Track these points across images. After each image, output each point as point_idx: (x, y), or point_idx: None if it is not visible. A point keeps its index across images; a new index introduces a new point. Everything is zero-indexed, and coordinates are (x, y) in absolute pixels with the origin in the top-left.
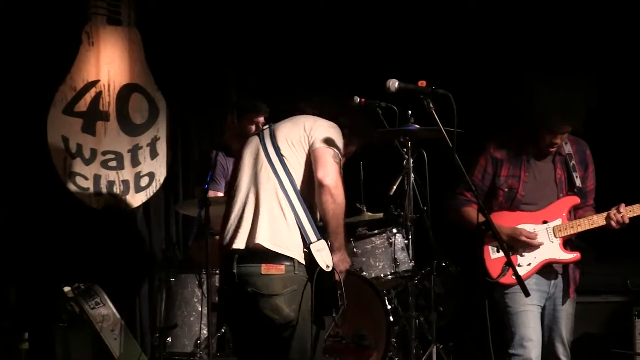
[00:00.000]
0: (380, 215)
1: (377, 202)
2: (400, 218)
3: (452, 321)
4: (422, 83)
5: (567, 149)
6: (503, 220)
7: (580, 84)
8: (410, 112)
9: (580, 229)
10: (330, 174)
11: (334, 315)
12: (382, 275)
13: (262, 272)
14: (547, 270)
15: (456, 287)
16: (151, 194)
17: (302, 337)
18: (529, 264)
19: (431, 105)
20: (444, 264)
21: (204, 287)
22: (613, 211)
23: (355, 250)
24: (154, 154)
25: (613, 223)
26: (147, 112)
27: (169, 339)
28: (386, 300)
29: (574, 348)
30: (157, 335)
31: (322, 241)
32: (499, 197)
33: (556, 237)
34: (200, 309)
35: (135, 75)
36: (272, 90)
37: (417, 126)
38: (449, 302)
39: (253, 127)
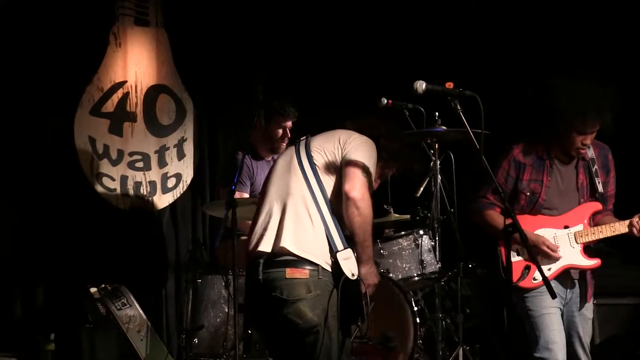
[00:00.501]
0: (407, 216)
1: (404, 204)
2: (427, 220)
3: (478, 323)
4: (449, 85)
5: (590, 153)
6: (524, 223)
7: (605, 83)
8: (437, 113)
9: (602, 236)
10: (357, 187)
11: (358, 324)
12: (408, 276)
13: (287, 277)
14: (564, 275)
15: (483, 289)
16: (178, 195)
17: (328, 344)
18: (549, 269)
19: (458, 107)
20: (470, 266)
21: (231, 288)
22: (636, 219)
23: (382, 251)
24: (181, 155)
25: (635, 231)
26: (174, 113)
27: (196, 340)
28: (413, 302)
29: (600, 351)
30: (184, 336)
31: (349, 250)
32: (521, 201)
33: (577, 243)
34: (226, 310)
35: (162, 76)
36: (299, 91)
37: (444, 128)
38: (475, 303)
39: (280, 131)
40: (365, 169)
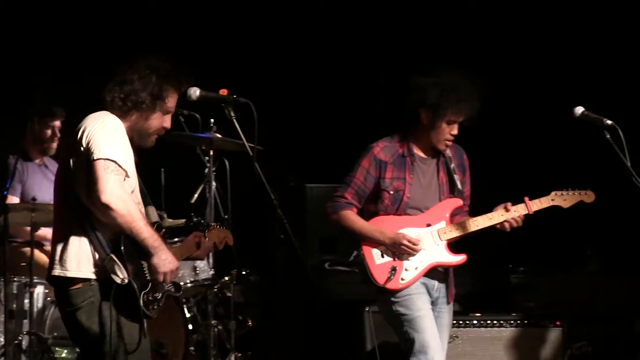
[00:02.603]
0: (181, 222)
1: (179, 210)
2: (201, 226)
3: (251, 330)
4: (223, 91)
5: (447, 152)
6: (386, 224)
7: (472, 74)
8: (212, 120)
9: (465, 231)
10: (104, 189)
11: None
12: (181, 283)
13: (67, 290)
14: (430, 274)
15: (256, 296)
16: None
17: (109, 350)
18: (416, 268)
19: (232, 114)
20: (244, 273)
21: (2, 294)
22: (505, 210)
23: None
24: None
25: (508, 225)
26: None
27: None
28: (185, 309)
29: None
30: None
31: (111, 256)
32: (385, 200)
33: (441, 240)
34: None
35: None
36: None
37: (219, 135)
38: (248, 310)
39: (49, 132)
40: (106, 164)
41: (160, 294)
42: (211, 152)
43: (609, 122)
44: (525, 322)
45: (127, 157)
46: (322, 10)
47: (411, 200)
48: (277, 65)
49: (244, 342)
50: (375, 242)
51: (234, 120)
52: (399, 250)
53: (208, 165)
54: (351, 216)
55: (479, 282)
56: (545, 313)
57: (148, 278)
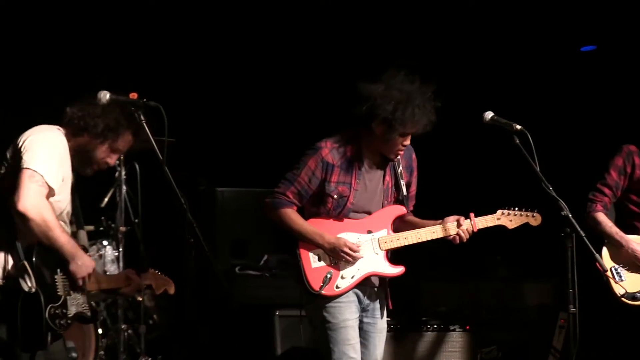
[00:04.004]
0: (91, 227)
1: (89, 214)
2: (111, 230)
3: (161, 334)
4: (133, 95)
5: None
6: (326, 227)
7: (426, 85)
8: None
9: (406, 243)
10: (22, 197)
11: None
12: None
13: None
14: (365, 283)
15: (166, 300)
16: None
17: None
18: (352, 277)
19: (142, 117)
20: None
21: None
22: (449, 224)
23: None
24: None
25: (458, 238)
26: None
27: None
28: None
29: None
30: None
31: (24, 263)
32: (328, 204)
33: (381, 249)
34: None
35: None
36: None
37: None
38: (158, 315)
39: None
40: (32, 174)
41: (73, 313)
42: (121, 156)
43: (519, 127)
44: (435, 326)
45: (58, 177)
46: (232, 10)
47: (354, 205)
48: (187, 69)
49: (154, 346)
50: (313, 245)
51: (144, 124)
52: (338, 256)
53: (118, 169)
54: (291, 215)
55: (390, 287)
56: (455, 318)
57: (59, 293)
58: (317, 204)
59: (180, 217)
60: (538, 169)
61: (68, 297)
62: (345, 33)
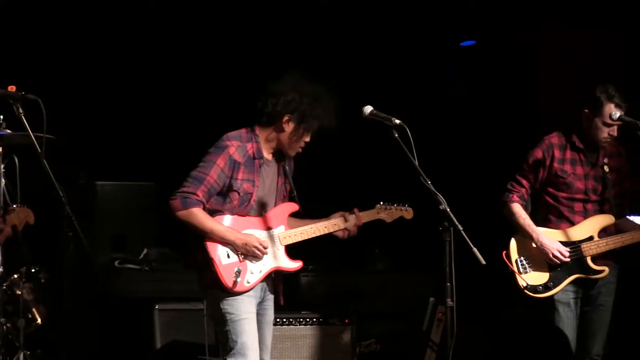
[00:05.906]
0: None
1: None
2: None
3: (40, 328)
4: (12, 88)
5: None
6: (233, 224)
7: (328, 83)
8: (1, 116)
9: (304, 237)
10: None
11: None
12: None
13: None
14: (265, 278)
15: (46, 293)
16: None
17: None
18: (260, 271)
19: (20, 110)
20: (33, 271)
21: None
22: (337, 219)
23: None
24: None
25: (343, 233)
26: None
27: None
28: None
29: (160, 356)
30: None
31: None
32: (234, 201)
33: (281, 245)
34: None
35: None
36: None
37: (8, 131)
38: (37, 308)
39: None
40: None
41: None
42: (0, 149)
43: (397, 121)
44: (315, 320)
45: None
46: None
47: (257, 203)
48: (67, 61)
49: (33, 340)
50: (222, 242)
51: (22, 117)
52: (249, 252)
53: None
54: (201, 214)
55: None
56: (334, 311)
57: None
58: (222, 200)
59: (60, 211)
60: (417, 162)
61: None
62: (234, 27)
